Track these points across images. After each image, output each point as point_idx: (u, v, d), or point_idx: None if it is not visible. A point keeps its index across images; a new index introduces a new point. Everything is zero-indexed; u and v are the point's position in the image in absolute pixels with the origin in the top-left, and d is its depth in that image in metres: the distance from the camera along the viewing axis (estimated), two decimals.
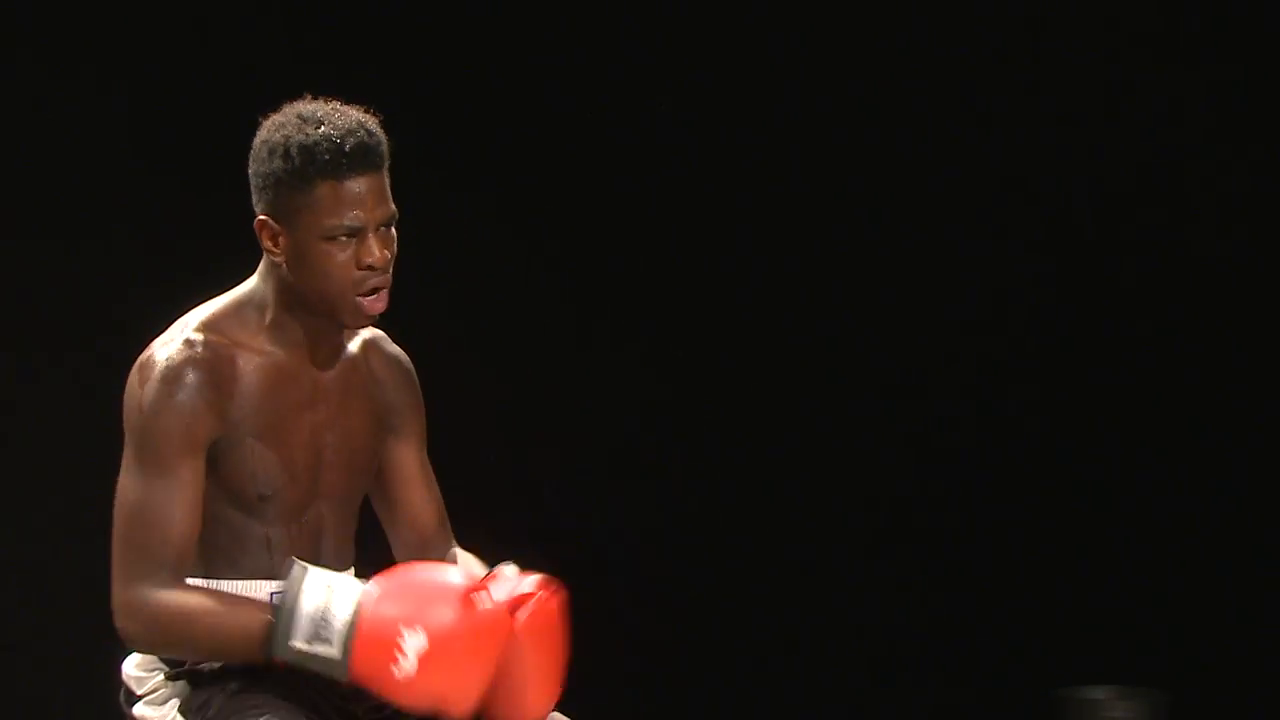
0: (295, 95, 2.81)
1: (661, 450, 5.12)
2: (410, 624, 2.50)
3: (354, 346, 2.86)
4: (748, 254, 5.12)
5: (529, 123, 4.94)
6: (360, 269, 2.70)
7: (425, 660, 2.50)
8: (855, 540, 5.17)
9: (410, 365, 2.94)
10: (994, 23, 5.09)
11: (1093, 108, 5.15)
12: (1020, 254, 5.19)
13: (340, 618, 2.55)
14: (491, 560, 2.89)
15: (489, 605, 2.55)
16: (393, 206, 2.73)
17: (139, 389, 2.69)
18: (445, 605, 2.52)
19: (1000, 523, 5.19)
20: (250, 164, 2.74)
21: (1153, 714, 4.92)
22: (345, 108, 2.74)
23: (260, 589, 2.74)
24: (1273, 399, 5.11)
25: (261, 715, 2.65)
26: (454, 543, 2.97)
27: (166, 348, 2.70)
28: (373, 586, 2.58)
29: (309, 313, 2.74)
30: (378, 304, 2.72)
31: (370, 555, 2.94)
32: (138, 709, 2.76)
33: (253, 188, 2.74)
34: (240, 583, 2.74)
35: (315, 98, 2.75)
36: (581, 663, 4.61)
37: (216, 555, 2.74)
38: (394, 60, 4.69)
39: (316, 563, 2.77)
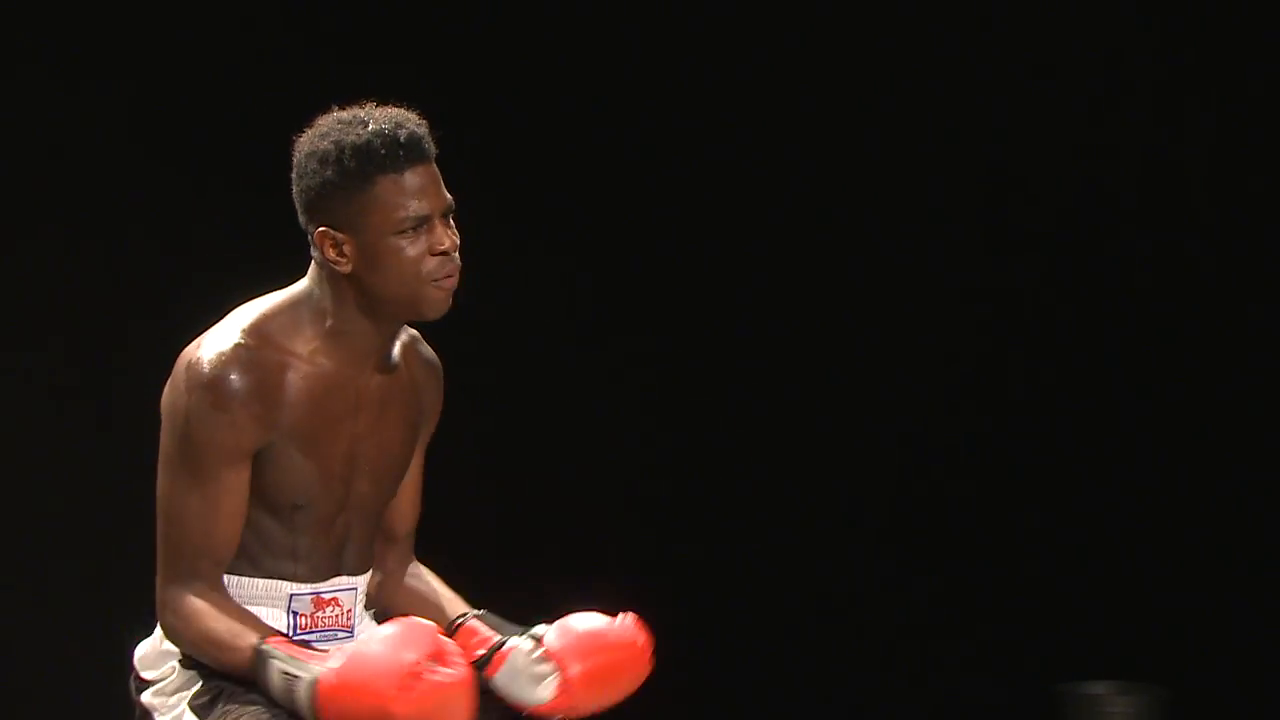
0: (300, 95, 2.80)
1: (662, 447, 5.12)
2: (359, 715, 2.49)
3: (395, 351, 2.82)
4: (752, 254, 5.13)
5: (528, 122, 4.94)
6: (434, 256, 2.67)
7: None
8: (856, 537, 5.18)
9: (441, 370, 2.92)
10: (993, 22, 5.10)
11: (1092, 109, 5.16)
12: (1020, 254, 5.20)
13: (304, 704, 2.55)
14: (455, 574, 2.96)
15: (436, 679, 2.49)
16: (450, 196, 2.71)
17: (185, 393, 2.65)
18: (387, 695, 2.47)
19: (1001, 519, 5.20)
20: (297, 181, 2.69)
21: (1153, 709, 4.93)
22: (382, 107, 2.71)
23: (280, 589, 2.75)
24: (1271, 398, 5.12)
25: (269, 709, 2.65)
26: (413, 555, 2.97)
27: (216, 352, 2.66)
28: (322, 671, 2.54)
29: (378, 317, 2.71)
30: (453, 284, 2.69)
31: None
32: (145, 697, 2.77)
33: (302, 204, 2.69)
34: (260, 580, 2.75)
35: (343, 106, 2.72)
36: None
37: (239, 555, 2.73)
38: (396, 57, 4.69)
39: (338, 569, 2.79)
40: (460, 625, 2.84)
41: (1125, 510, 5.18)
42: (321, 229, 2.67)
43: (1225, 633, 5.08)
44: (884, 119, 5.10)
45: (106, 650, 2.99)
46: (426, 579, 2.95)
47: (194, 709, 2.71)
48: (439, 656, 2.50)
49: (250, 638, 2.63)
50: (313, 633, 2.76)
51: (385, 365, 2.79)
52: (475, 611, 2.87)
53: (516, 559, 4.71)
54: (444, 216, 2.69)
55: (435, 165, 2.70)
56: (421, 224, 2.67)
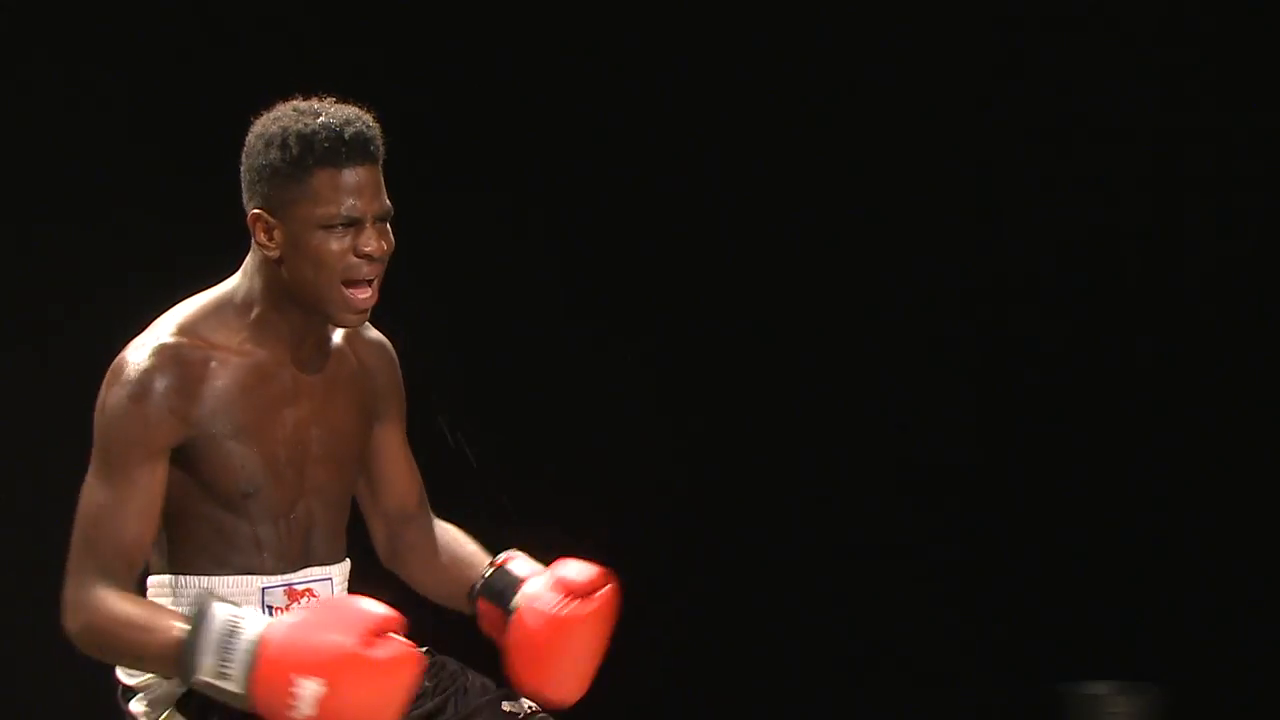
0: (294, 88, 2.81)
1: (661, 449, 5.12)
2: (306, 670, 2.48)
3: (337, 338, 2.84)
4: (752, 258, 5.13)
5: (520, 118, 4.94)
6: (357, 257, 2.68)
7: (322, 706, 2.47)
8: (856, 539, 5.17)
9: (391, 348, 2.93)
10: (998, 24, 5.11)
11: (1092, 119, 5.16)
12: (1021, 258, 5.20)
13: (240, 657, 2.53)
14: (480, 538, 2.97)
15: (393, 648, 2.51)
16: (388, 202, 2.71)
17: (105, 392, 2.68)
18: (343, 651, 2.49)
19: (1001, 520, 5.19)
20: (243, 160, 2.72)
21: (1153, 709, 4.92)
22: (340, 103, 2.72)
23: (251, 584, 2.75)
24: (1271, 398, 5.11)
25: None
26: (433, 518, 2.99)
27: (136, 352, 2.69)
28: (277, 625, 2.55)
29: (298, 309, 2.72)
30: (369, 298, 2.70)
31: (366, 548, 2.95)
32: (134, 704, 2.76)
33: (245, 183, 2.72)
34: (230, 578, 2.74)
35: (308, 97, 2.73)
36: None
37: (203, 554, 2.73)
38: (391, 51, 4.69)
39: (308, 558, 2.79)
40: (477, 602, 2.88)
41: (1125, 510, 5.18)
42: (256, 210, 2.70)
43: (1225, 633, 5.07)
44: (888, 133, 5.10)
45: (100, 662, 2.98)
46: (446, 548, 2.96)
47: (181, 711, 2.71)
48: (379, 633, 2.50)
49: (171, 615, 2.61)
50: None
51: (322, 352, 2.80)
52: (484, 578, 2.88)
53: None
54: (377, 222, 2.70)
55: (379, 170, 2.71)
56: (351, 224, 2.68)
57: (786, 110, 5.09)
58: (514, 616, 2.80)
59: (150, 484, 2.66)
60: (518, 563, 2.89)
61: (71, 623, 2.66)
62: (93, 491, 2.67)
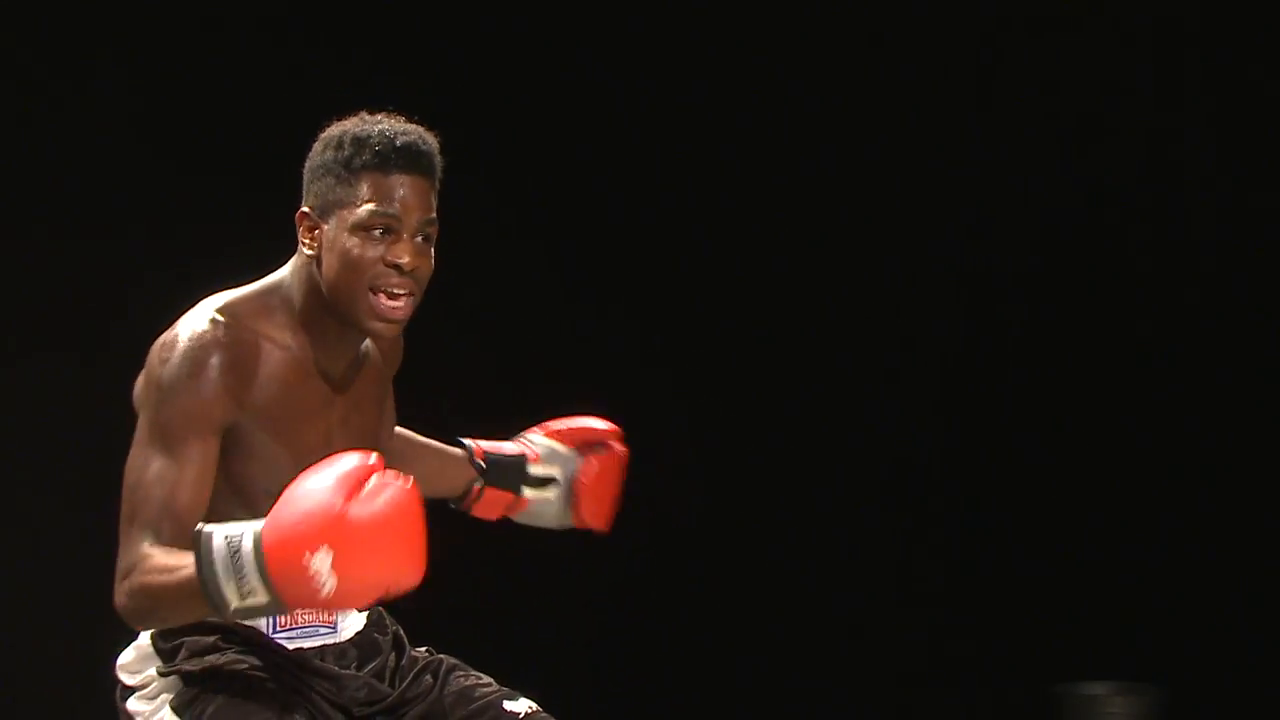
0: (303, 91, 2.81)
1: (661, 447, 5.12)
2: (309, 546, 2.40)
3: (366, 340, 2.82)
4: (748, 254, 5.13)
5: (521, 119, 4.95)
6: (386, 265, 2.66)
7: (341, 570, 2.40)
8: (856, 539, 5.18)
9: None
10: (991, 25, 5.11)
11: (1086, 115, 5.16)
12: (1012, 255, 5.20)
13: (251, 569, 2.44)
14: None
15: (378, 488, 2.44)
16: (434, 215, 2.70)
17: (159, 367, 2.63)
18: (332, 512, 2.41)
19: (1000, 521, 5.20)
20: (306, 160, 2.73)
21: (1152, 709, 4.93)
22: (410, 121, 2.72)
23: None
24: (1269, 399, 5.11)
25: (256, 712, 2.64)
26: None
27: (190, 327, 2.65)
28: (268, 520, 2.46)
29: (332, 316, 2.70)
30: (397, 309, 2.67)
31: None
32: (131, 703, 2.75)
33: (304, 183, 2.72)
34: None
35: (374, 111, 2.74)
36: (575, 660, 4.64)
37: None
38: (391, 53, 4.70)
39: None
40: (483, 492, 3.12)
41: (1124, 510, 5.18)
42: (305, 208, 2.71)
43: (1225, 633, 5.07)
44: (881, 133, 5.10)
45: (99, 657, 2.98)
46: (415, 454, 3.06)
47: (175, 709, 2.70)
48: (360, 480, 2.46)
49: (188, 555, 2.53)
50: (294, 629, 2.74)
51: (356, 362, 2.79)
52: (483, 470, 3.11)
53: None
54: (416, 235, 2.68)
55: (430, 187, 2.70)
56: (387, 231, 2.66)
57: (776, 111, 5.09)
58: (582, 465, 3.16)
59: (206, 459, 2.62)
60: (498, 447, 3.15)
61: (120, 594, 2.57)
62: (145, 463, 2.61)
